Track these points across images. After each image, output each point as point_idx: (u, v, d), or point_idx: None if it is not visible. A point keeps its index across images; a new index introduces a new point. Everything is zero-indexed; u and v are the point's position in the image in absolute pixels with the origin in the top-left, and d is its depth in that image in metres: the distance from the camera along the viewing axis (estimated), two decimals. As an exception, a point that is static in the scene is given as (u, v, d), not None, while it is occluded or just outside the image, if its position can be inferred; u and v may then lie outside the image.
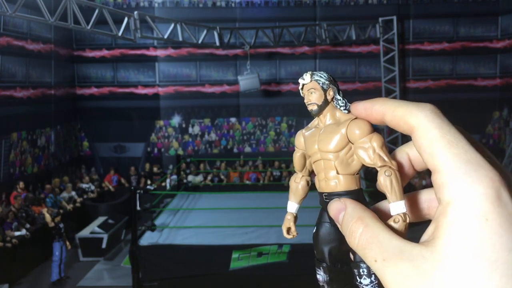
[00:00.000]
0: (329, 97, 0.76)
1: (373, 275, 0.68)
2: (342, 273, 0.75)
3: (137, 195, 7.59)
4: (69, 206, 11.13)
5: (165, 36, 10.21)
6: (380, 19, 12.85)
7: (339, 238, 0.73)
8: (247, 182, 12.79)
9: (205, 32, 10.75)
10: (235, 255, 7.09)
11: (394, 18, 12.95)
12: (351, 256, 0.72)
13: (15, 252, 8.69)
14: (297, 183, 0.81)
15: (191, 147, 13.86)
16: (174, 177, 12.31)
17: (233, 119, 13.84)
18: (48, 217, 9.13)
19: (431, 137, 0.59)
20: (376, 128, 0.72)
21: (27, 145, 10.85)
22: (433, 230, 0.57)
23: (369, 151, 0.70)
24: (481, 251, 0.51)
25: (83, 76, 13.54)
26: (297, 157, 0.81)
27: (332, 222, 0.74)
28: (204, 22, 11.40)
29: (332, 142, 0.73)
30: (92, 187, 12.65)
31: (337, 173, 0.72)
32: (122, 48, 13.33)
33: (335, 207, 0.69)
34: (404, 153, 0.72)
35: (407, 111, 0.62)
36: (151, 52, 13.47)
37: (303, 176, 0.81)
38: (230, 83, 13.51)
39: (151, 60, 13.50)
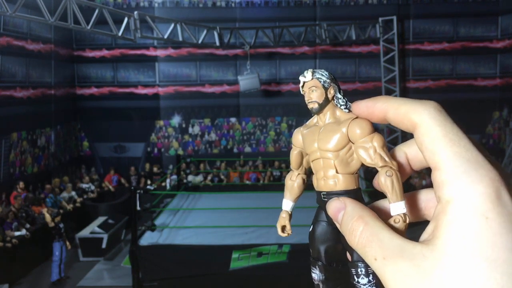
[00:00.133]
0: (329, 96, 0.75)
1: (371, 275, 0.68)
2: (337, 272, 0.75)
3: (137, 195, 7.58)
4: (69, 206, 11.13)
5: (165, 36, 10.21)
6: (380, 19, 12.85)
7: (336, 237, 0.73)
8: (247, 182, 12.79)
9: (205, 32, 10.75)
10: (235, 255, 7.09)
11: (394, 18, 12.95)
12: (348, 255, 0.72)
13: (15, 252, 8.69)
14: (293, 181, 0.81)
15: (191, 147, 13.86)
16: (174, 177, 12.31)
17: (233, 119, 13.84)
18: (48, 217, 9.13)
19: (433, 135, 0.59)
20: (376, 128, 0.72)
21: (27, 145, 10.85)
22: (433, 229, 0.57)
23: (370, 151, 0.70)
24: (481, 250, 0.51)
25: (83, 76, 13.54)
26: (294, 155, 0.80)
27: (329, 221, 0.74)
28: (204, 22, 11.40)
29: (332, 141, 0.72)
30: (92, 187, 12.65)
31: (337, 172, 0.72)
32: (122, 48, 13.33)
33: (334, 206, 0.68)
34: (402, 151, 0.72)
35: (410, 108, 0.62)
36: (151, 52, 13.47)
37: (299, 174, 0.81)
38: (230, 83, 13.50)
39: (151, 60, 13.50)
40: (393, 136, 13.16)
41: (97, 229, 10.21)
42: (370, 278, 0.68)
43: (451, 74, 13.64)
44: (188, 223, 8.35)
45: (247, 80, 11.76)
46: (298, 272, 6.28)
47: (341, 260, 0.74)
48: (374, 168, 0.70)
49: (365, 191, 7.54)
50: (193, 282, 7.32)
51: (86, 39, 13.31)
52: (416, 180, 12.04)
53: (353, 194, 0.71)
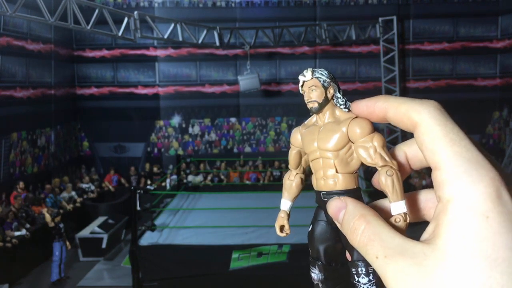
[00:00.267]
0: (329, 95, 0.75)
1: (371, 274, 0.68)
2: (336, 272, 0.75)
3: (137, 195, 7.58)
4: (69, 206, 11.13)
5: (165, 36, 10.21)
6: (380, 19, 12.85)
7: (335, 237, 0.73)
8: (247, 182, 12.79)
9: (205, 32, 10.75)
10: (235, 255, 7.09)
11: (394, 18, 12.95)
12: (348, 255, 0.72)
13: (15, 252, 8.69)
14: (291, 181, 0.81)
15: (191, 147, 13.86)
16: (174, 177, 12.31)
17: (233, 119, 13.84)
18: (48, 217, 9.13)
19: (434, 134, 0.59)
20: (376, 128, 0.72)
21: (27, 145, 10.85)
22: (433, 229, 0.57)
23: (370, 151, 0.70)
24: (482, 249, 0.52)
25: (83, 76, 13.54)
26: (292, 154, 0.80)
27: (328, 221, 0.74)
28: (204, 22, 11.40)
29: (333, 140, 0.72)
30: (92, 187, 12.65)
31: (336, 171, 0.72)
32: (122, 48, 13.33)
33: (335, 205, 0.68)
34: (402, 151, 0.72)
35: (410, 107, 0.62)
36: (151, 52, 13.47)
37: (297, 173, 0.81)
38: (230, 83, 13.50)
39: (151, 60, 13.50)
40: (393, 136, 13.16)
41: (97, 229, 10.21)
42: (371, 277, 0.68)
43: (451, 74, 13.64)
44: (188, 223, 8.35)
45: (247, 80, 11.76)
46: (298, 272, 6.28)
47: (340, 260, 0.74)
48: (374, 168, 0.70)
49: (365, 191, 7.55)
50: (193, 282, 7.32)
51: (86, 39, 13.31)
52: (416, 180, 12.04)
53: (352, 193, 0.71)
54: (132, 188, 8.10)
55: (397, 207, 0.66)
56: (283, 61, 13.57)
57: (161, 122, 13.75)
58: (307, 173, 0.82)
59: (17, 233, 8.98)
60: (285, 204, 0.81)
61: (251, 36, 11.80)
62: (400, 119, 0.64)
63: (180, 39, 10.40)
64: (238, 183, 12.73)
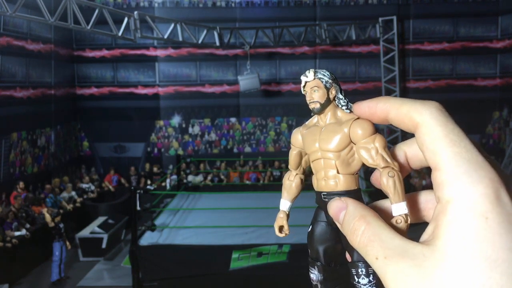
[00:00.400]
0: (331, 96, 0.75)
1: (371, 275, 0.68)
2: (336, 272, 0.75)
3: (137, 195, 7.58)
4: (69, 206, 11.13)
5: (165, 36, 10.21)
6: (380, 19, 12.85)
7: (335, 238, 0.73)
8: (247, 182, 12.79)
9: (205, 32, 10.75)
10: (235, 255, 7.09)
11: (394, 18, 12.95)
12: (348, 256, 0.72)
13: (15, 252, 8.70)
14: (291, 181, 0.81)
15: (191, 147, 13.86)
16: (174, 177, 12.31)
17: (233, 119, 13.84)
18: (48, 217, 9.13)
19: (435, 135, 0.59)
20: (377, 128, 0.72)
21: (27, 145, 10.85)
22: (433, 230, 0.57)
23: (372, 152, 0.70)
24: (481, 250, 0.52)
25: (83, 76, 13.54)
26: (293, 155, 0.80)
27: (328, 221, 0.74)
28: (204, 22, 11.40)
29: (334, 141, 0.72)
30: (92, 187, 12.65)
31: (338, 172, 0.72)
32: (122, 48, 13.33)
33: (335, 206, 0.69)
34: (401, 150, 0.72)
35: (412, 108, 0.63)
36: (151, 52, 13.47)
37: (297, 174, 0.81)
38: (230, 83, 13.50)
39: (151, 60, 13.50)
40: (393, 136, 13.16)
41: (97, 229, 10.22)
42: (371, 278, 0.68)
43: (451, 74, 13.64)
44: (188, 223, 8.35)
45: (247, 80, 11.76)
46: (298, 272, 6.27)
47: (340, 261, 0.74)
48: (374, 168, 0.71)
49: (365, 191, 7.54)
50: (193, 282, 7.32)
51: (86, 39, 13.31)
52: (416, 180, 12.04)
53: (353, 194, 0.71)
54: (132, 188, 8.10)
55: (399, 208, 0.66)
56: (283, 61, 13.57)
57: (161, 122, 13.75)
58: (307, 174, 0.82)
59: (17, 233, 8.98)
60: (285, 204, 0.81)
61: (251, 36, 11.80)
62: (401, 120, 0.64)
63: (180, 39, 10.40)
64: (238, 183, 12.73)
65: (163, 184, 12.29)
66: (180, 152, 13.67)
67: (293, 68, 13.52)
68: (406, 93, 13.44)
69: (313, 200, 0.76)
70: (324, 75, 0.76)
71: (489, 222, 0.52)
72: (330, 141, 0.73)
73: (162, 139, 13.81)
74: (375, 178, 0.71)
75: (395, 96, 12.91)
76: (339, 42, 12.79)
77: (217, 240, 7.34)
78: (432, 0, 13.34)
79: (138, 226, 7.49)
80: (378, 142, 0.70)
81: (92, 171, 13.51)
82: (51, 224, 9.01)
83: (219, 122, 13.84)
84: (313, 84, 0.75)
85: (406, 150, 0.72)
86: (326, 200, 0.72)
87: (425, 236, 0.59)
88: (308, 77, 0.76)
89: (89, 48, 13.43)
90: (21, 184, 10.14)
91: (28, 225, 9.36)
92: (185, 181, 12.33)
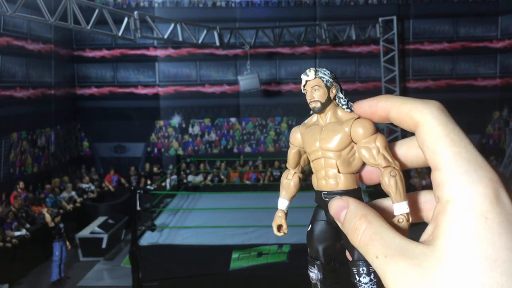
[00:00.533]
0: (331, 95, 0.75)
1: (372, 274, 0.69)
2: (335, 271, 0.75)
3: (137, 195, 7.58)
4: (69, 206, 11.13)
5: (165, 36, 10.21)
6: (380, 19, 12.85)
7: (334, 237, 0.74)
8: (247, 182, 12.79)
9: (205, 32, 10.75)
10: (235, 255, 7.09)
11: (394, 18, 12.95)
12: (348, 255, 0.72)
13: (15, 252, 8.69)
14: (290, 180, 0.81)
15: (191, 147, 13.86)
16: (174, 177, 12.30)
17: (233, 119, 13.84)
18: (48, 217, 9.13)
19: (435, 134, 0.59)
20: (377, 128, 0.72)
21: (27, 145, 10.85)
22: (433, 229, 0.58)
23: (373, 151, 0.70)
24: (481, 250, 0.52)
25: (83, 76, 13.54)
26: (292, 154, 0.80)
27: (328, 220, 0.74)
28: (204, 22, 11.40)
29: (335, 140, 0.72)
30: (92, 187, 12.65)
31: (338, 172, 0.72)
32: (122, 48, 13.33)
33: (336, 205, 0.69)
34: (397, 149, 0.73)
35: (413, 107, 0.63)
36: (151, 52, 13.47)
37: (295, 173, 0.81)
38: (230, 83, 13.50)
39: (151, 60, 13.50)
40: (393, 136, 13.16)
41: (97, 229, 10.21)
42: (372, 277, 0.69)
43: (451, 74, 13.64)
44: (188, 223, 8.35)
45: (247, 80, 11.75)
46: (298, 272, 6.25)
47: (339, 259, 0.74)
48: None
49: (365, 191, 7.54)
50: (193, 282, 7.32)
51: (86, 39, 13.31)
52: (416, 180, 12.04)
53: (353, 193, 0.72)
54: (132, 188, 8.10)
55: (400, 208, 0.67)
56: (283, 61, 13.57)
57: (161, 122, 13.75)
58: (307, 173, 0.82)
59: (17, 233, 8.98)
60: (283, 203, 0.81)
61: (251, 36, 11.80)
62: (402, 119, 0.65)
63: (180, 39, 10.40)
64: (238, 183, 12.73)
65: (163, 184, 12.28)
66: (180, 152, 13.67)
67: (293, 68, 13.52)
68: (406, 93, 13.43)
69: (313, 200, 0.76)
70: (325, 74, 0.76)
71: (488, 222, 0.53)
72: (331, 140, 0.73)
73: (162, 139, 13.81)
74: (366, 176, 0.72)
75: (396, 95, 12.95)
76: (339, 42, 12.79)
77: (217, 240, 7.34)
78: (432, 0, 13.34)
79: (138, 226, 7.49)
80: (379, 142, 0.70)
81: (92, 171, 13.51)
82: (51, 224, 9.01)
83: (219, 122, 13.84)
84: (314, 83, 0.75)
85: (402, 149, 0.72)
86: (327, 199, 0.72)
87: (424, 236, 0.59)
88: (309, 76, 0.76)
89: (89, 48, 13.43)
90: (21, 184, 10.14)
91: (28, 225, 9.35)
92: (185, 181, 12.32)
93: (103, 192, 12.81)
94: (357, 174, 0.74)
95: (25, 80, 10.77)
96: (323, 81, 0.75)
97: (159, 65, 13.52)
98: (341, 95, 0.76)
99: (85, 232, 10.28)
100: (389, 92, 13.20)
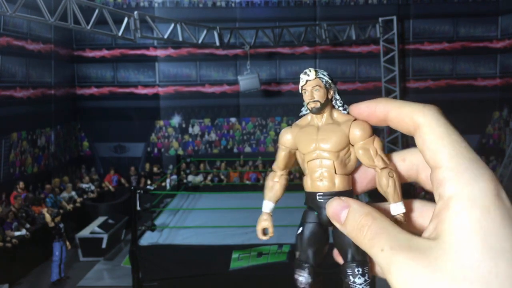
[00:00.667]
0: (329, 96, 0.76)
1: (366, 274, 0.69)
2: (321, 275, 0.75)
3: (137, 195, 7.58)
4: (69, 206, 11.13)
5: (165, 36, 10.21)
6: (380, 19, 12.85)
7: (325, 239, 0.74)
8: (247, 182, 12.79)
9: (205, 32, 10.75)
10: (235, 255, 7.09)
11: (394, 18, 12.95)
12: (338, 257, 0.73)
13: (15, 252, 8.69)
14: (276, 182, 0.80)
15: (191, 147, 13.86)
16: (174, 177, 12.30)
17: (233, 119, 13.84)
18: (48, 217, 9.13)
19: (437, 135, 0.62)
20: (376, 129, 0.73)
21: (27, 145, 10.85)
22: (435, 226, 0.59)
23: (372, 153, 0.71)
24: (486, 240, 0.54)
25: (83, 76, 13.54)
26: (283, 155, 0.80)
27: (320, 222, 0.74)
28: (204, 22, 11.40)
29: (335, 141, 0.73)
30: (92, 187, 12.65)
31: (335, 172, 0.73)
32: (122, 48, 13.33)
33: (336, 205, 0.69)
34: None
35: (414, 109, 0.65)
36: (151, 52, 13.47)
37: (282, 175, 0.81)
38: (230, 83, 13.50)
39: (151, 60, 13.50)
40: (393, 136, 13.17)
41: (97, 229, 10.21)
42: (366, 277, 0.69)
43: (451, 74, 13.63)
44: (188, 223, 8.35)
45: (247, 80, 11.75)
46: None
47: (328, 262, 0.75)
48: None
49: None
50: (193, 282, 7.31)
51: (86, 39, 13.31)
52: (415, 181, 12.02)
53: (348, 195, 0.72)
54: (132, 188, 8.10)
55: (397, 208, 0.69)
56: (283, 61, 13.58)
57: (161, 122, 13.75)
58: (298, 175, 0.82)
59: (17, 233, 8.98)
60: (268, 205, 0.81)
61: (251, 36, 11.80)
62: (401, 120, 0.66)
63: (180, 39, 10.40)
64: (238, 183, 12.73)
65: (163, 184, 12.28)
66: (180, 152, 13.67)
67: (293, 68, 13.52)
68: (406, 93, 13.44)
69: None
70: (324, 75, 0.76)
71: (492, 215, 0.55)
72: (330, 141, 0.73)
73: (162, 139, 13.81)
74: (359, 179, 0.75)
75: (395, 96, 12.97)
76: (339, 42, 12.79)
77: (217, 240, 7.33)
78: (432, 0, 13.34)
79: (138, 226, 7.49)
80: (376, 144, 0.72)
81: (92, 171, 13.51)
82: (51, 224, 9.01)
83: (219, 122, 13.84)
84: (314, 83, 0.75)
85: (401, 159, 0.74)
86: (322, 200, 0.72)
87: (426, 233, 0.61)
88: (309, 75, 0.76)
89: (89, 48, 13.43)
90: (21, 184, 10.14)
91: (28, 225, 9.35)
92: (185, 181, 12.32)
93: (103, 192, 12.81)
94: (350, 175, 0.75)
95: (25, 80, 10.77)
96: (322, 81, 0.75)
97: (159, 65, 13.52)
98: (337, 97, 0.76)
99: (85, 232, 10.28)
100: (389, 92, 13.21)
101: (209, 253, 7.12)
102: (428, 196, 0.65)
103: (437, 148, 0.61)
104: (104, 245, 10.05)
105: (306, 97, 0.76)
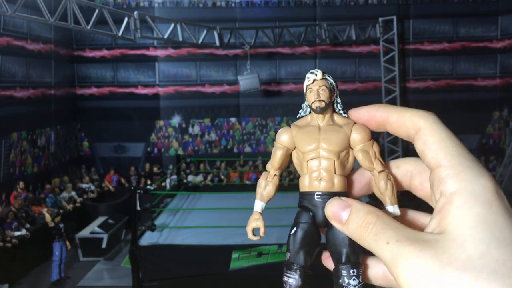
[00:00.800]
0: (332, 99, 0.77)
1: (360, 276, 0.70)
2: (311, 277, 0.74)
3: (137, 195, 7.58)
4: (69, 206, 11.13)
5: (165, 36, 10.21)
6: (380, 19, 12.85)
7: (318, 240, 0.74)
8: (247, 182, 12.79)
9: (205, 32, 10.75)
10: (235, 255, 7.09)
11: (394, 18, 12.95)
12: (329, 260, 0.73)
13: (15, 252, 8.69)
14: (269, 182, 0.80)
15: (191, 147, 13.86)
16: (174, 177, 12.30)
17: (233, 119, 13.84)
18: (48, 217, 9.13)
19: (438, 136, 0.66)
20: (375, 132, 0.75)
21: (27, 145, 10.85)
22: (438, 221, 0.61)
23: (371, 156, 0.74)
24: (490, 231, 0.57)
25: (83, 76, 13.54)
26: (279, 155, 0.79)
27: (315, 222, 0.74)
28: (204, 22, 11.40)
29: (338, 141, 0.74)
30: (92, 187, 12.65)
31: (335, 173, 0.73)
32: (122, 48, 13.33)
33: (337, 205, 0.70)
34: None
35: (414, 113, 0.69)
36: (151, 52, 13.47)
37: (275, 175, 0.81)
38: (230, 83, 13.50)
39: (151, 60, 13.50)
40: (393, 136, 13.15)
41: (97, 229, 10.22)
42: (360, 279, 0.70)
43: (451, 74, 13.63)
44: (188, 223, 8.35)
45: (247, 80, 11.76)
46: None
47: (320, 264, 0.75)
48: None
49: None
50: (193, 282, 7.32)
51: (86, 39, 13.31)
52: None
53: (345, 195, 0.73)
54: (132, 188, 8.10)
55: (393, 210, 0.72)
56: (283, 61, 13.57)
57: (161, 122, 13.75)
58: (292, 175, 0.83)
59: (17, 233, 8.98)
60: (260, 205, 0.81)
61: (251, 36, 11.80)
62: (402, 124, 0.70)
63: (180, 39, 10.40)
64: (238, 183, 12.74)
65: (163, 184, 12.28)
66: (180, 152, 13.67)
67: (293, 68, 13.52)
68: (406, 93, 13.44)
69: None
70: (329, 78, 0.78)
71: (494, 208, 0.58)
72: (334, 141, 0.74)
73: (162, 139, 13.81)
74: (356, 181, 0.77)
75: (395, 96, 12.98)
76: (339, 42, 12.79)
77: (217, 240, 7.33)
78: (432, 0, 13.34)
79: (138, 226, 7.49)
80: (376, 148, 0.74)
81: (92, 171, 13.51)
82: (51, 224, 9.01)
83: (219, 122, 13.84)
84: (321, 83, 0.77)
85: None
86: (320, 200, 0.73)
87: (428, 230, 0.63)
88: (317, 75, 0.77)
89: (89, 48, 13.43)
90: (21, 184, 10.14)
91: (28, 225, 9.36)
92: (185, 181, 12.33)
93: (103, 192, 12.81)
94: (346, 177, 0.76)
95: (25, 80, 10.77)
96: (328, 83, 0.77)
97: (159, 65, 13.52)
98: (339, 101, 0.78)
99: (85, 232, 10.28)
100: (389, 92, 13.22)
101: (209, 253, 7.12)
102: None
103: (439, 148, 0.64)
104: (104, 245, 10.05)
105: (312, 96, 0.76)
